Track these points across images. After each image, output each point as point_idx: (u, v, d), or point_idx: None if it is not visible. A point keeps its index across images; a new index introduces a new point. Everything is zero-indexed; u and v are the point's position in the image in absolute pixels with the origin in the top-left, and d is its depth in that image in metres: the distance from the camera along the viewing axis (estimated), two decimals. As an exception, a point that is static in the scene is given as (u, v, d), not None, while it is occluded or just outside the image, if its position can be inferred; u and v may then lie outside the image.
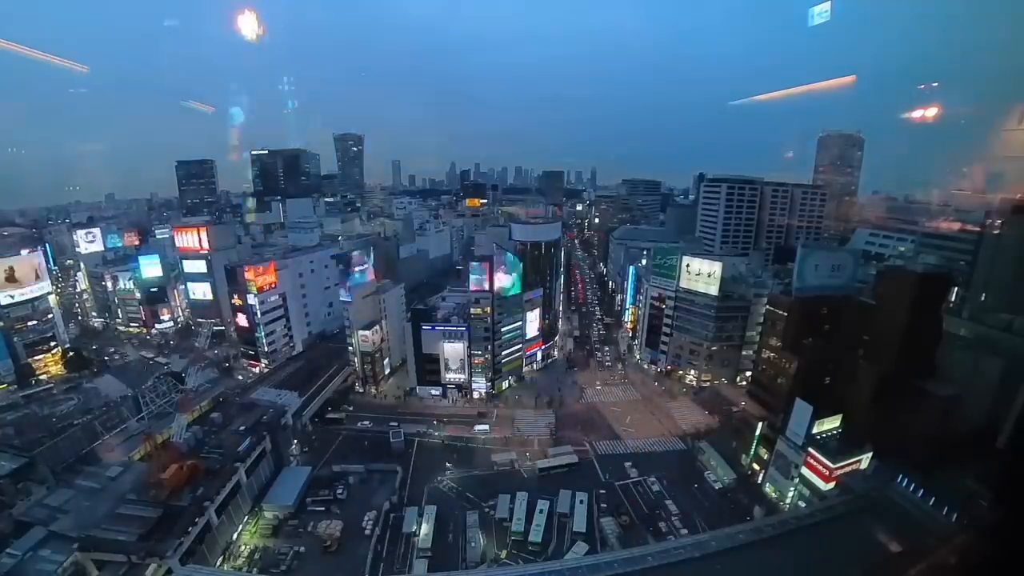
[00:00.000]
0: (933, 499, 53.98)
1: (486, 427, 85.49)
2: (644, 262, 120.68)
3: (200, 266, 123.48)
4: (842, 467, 59.72)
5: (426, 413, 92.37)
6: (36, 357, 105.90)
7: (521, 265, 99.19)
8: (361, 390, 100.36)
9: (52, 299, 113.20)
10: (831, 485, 59.51)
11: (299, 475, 70.75)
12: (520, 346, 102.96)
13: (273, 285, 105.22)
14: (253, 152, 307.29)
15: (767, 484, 67.91)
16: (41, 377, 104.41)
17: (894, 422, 59.72)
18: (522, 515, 62.19)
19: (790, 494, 63.95)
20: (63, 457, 65.82)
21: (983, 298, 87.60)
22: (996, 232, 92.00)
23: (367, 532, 61.26)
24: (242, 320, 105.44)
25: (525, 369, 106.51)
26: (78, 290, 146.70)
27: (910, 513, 54.39)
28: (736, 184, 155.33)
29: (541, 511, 63.08)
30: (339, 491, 68.64)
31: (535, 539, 59.70)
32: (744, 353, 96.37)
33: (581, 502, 65.29)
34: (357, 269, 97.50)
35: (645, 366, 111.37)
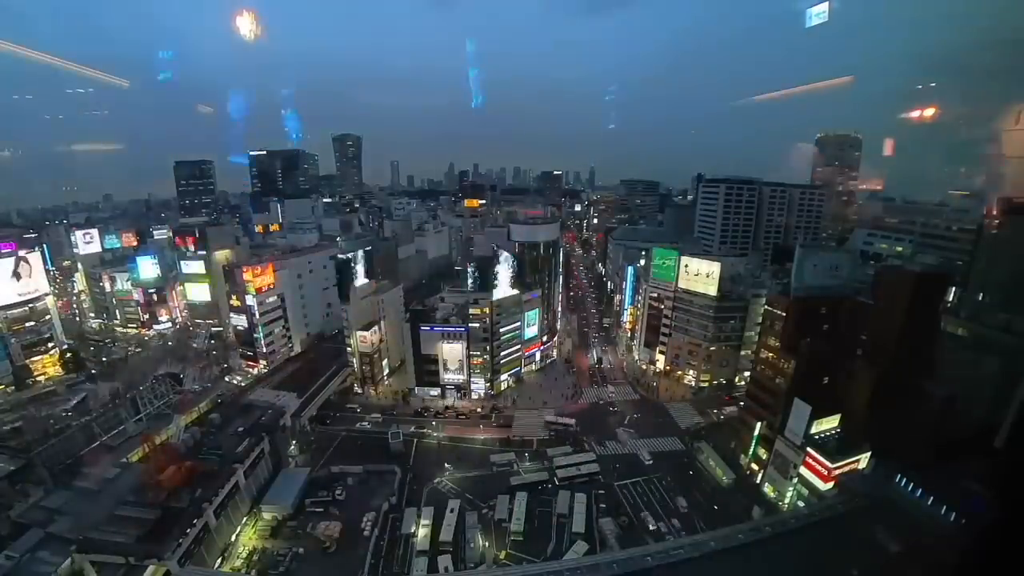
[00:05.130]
0: (932, 499, 54.07)
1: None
2: (643, 262, 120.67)
3: (198, 267, 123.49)
4: (841, 467, 59.77)
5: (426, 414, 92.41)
6: (34, 358, 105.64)
7: (519, 266, 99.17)
8: (360, 391, 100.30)
9: (50, 300, 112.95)
10: (830, 485, 59.58)
11: (298, 476, 70.66)
12: (519, 347, 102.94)
13: (271, 286, 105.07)
14: (251, 152, 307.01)
15: (766, 484, 67.97)
16: (39, 378, 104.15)
17: (892, 422, 59.76)
18: (521, 515, 62.21)
19: (789, 494, 64.01)
20: (61, 459, 65.68)
21: (981, 298, 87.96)
22: (994, 232, 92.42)
23: (366, 533, 61.21)
24: (240, 321, 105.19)
25: (524, 369, 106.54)
26: (76, 291, 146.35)
27: (909, 513, 54.48)
28: (734, 184, 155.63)
29: (537, 512, 63.23)
30: (338, 492, 68.60)
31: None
32: (743, 353, 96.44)
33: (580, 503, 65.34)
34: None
35: (644, 366, 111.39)
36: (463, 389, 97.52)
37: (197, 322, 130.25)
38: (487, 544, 59.91)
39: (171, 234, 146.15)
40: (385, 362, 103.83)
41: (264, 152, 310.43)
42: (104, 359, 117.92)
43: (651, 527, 62.64)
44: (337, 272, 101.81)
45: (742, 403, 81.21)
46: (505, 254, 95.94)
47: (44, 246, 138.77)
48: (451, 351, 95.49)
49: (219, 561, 57.39)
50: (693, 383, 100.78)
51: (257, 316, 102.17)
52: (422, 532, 60.69)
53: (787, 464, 64.21)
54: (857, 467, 61.52)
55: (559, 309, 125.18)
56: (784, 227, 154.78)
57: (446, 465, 75.63)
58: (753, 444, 71.68)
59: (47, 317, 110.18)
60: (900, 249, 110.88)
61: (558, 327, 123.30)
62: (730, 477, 70.54)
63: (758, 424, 71.00)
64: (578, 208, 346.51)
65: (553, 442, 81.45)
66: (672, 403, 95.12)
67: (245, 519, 63.53)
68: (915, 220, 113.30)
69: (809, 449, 61.01)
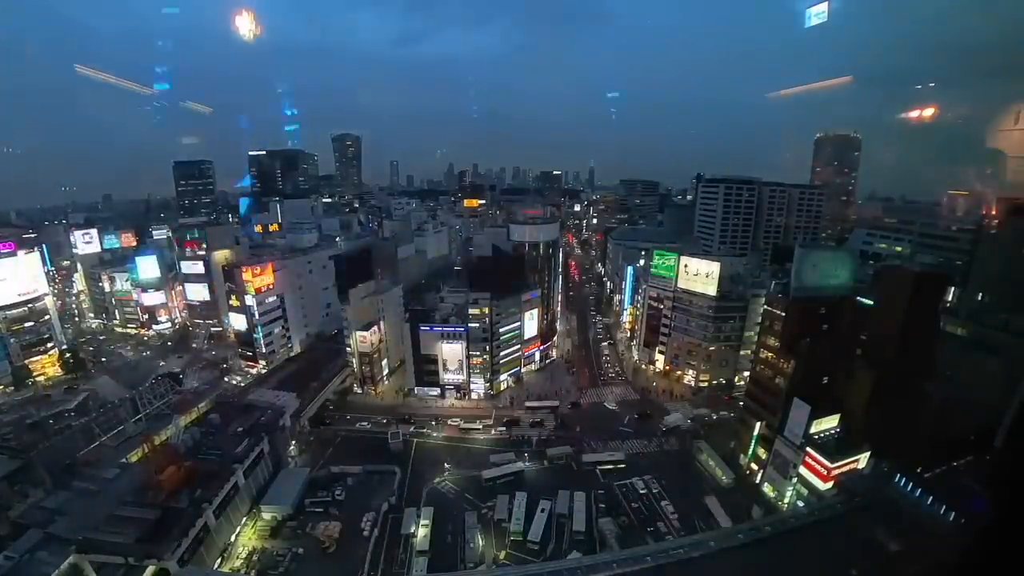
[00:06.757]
0: (931, 498, 54.13)
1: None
2: (642, 262, 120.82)
3: (198, 267, 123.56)
4: (840, 467, 59.78)
5: (425, 414, 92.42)
6: (33, 359, 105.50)
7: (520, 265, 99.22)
8: (360, 391, 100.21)
9: (49, 300, 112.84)
10: (829, 485, 59.60)
11: (297, 476, 70.62)
12: (518, 347, 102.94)
13: (271, 286, 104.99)
14: (251, 152, 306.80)
15: (765, 484, 68.01)
16: (38, 379, 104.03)
17: (892, 422, 59.87)
18: (521, 515, 62.25)
19: (788, 494, 64.04)
20: (60, 459, 65.44)
21: (980, 297, 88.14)
22: (993, 232, 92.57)
23: (365, 533, 61.15)
24: (239, 321, 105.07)
25: (524, 369, 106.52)
26: (75, 291, 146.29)
27: (908, 512, 54.55)
28: (734, 184, 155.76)
29: (543, 510, 63.16)
30: (337, 492, 68.54)
31: (533, 538, 59.76)
32: (742, 353, 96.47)
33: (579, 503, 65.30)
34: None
35: (643, 366, 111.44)
36: (463, 389, 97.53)
37: (197, 322, 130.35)
38: (486, 543, 59.99)
39: (170, 234, 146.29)
40: (385, 362, 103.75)
41: (264, 152, 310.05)
42: (103, 359, 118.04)
43: (650, 527, 62.66)
44: (336, 272, 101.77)
45: (742, 403, 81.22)
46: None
47: (43, 246, 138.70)
48: (451, 351, 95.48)
49: (219, 561, 57.34)
50: (692, 383, 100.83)
51: (256, 316, 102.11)
52: (422, 532, 60.70)
53: (787, 464, 64.24)
54: (857, 467, 61.54)
55: (558, 309, 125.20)
56: (784, 227, 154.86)
57: (445, 465, 75.64)
58: (753, 444, 71.71)
59: (46, 317, 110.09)
60: (899, 249, 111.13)
61: (558, 327, 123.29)
62: (730, 477, 70.57)
63: (758, 424, 71.01)
64: (578, 208, 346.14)
65: (554, 442, 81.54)
66: (672, 403, 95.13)
67: (245, 519, 63.50)
68: (914, 220, 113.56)
69: (809, 449, 61.02)
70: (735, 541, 53.99)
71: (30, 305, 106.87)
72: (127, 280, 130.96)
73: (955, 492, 52.43)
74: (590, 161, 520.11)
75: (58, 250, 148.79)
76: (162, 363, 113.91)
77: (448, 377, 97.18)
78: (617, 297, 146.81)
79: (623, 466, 74.40)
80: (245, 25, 61.07)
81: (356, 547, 59.18)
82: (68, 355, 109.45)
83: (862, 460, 61.68)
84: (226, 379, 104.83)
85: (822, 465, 59.60)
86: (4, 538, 51.69)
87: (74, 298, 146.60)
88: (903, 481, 57.77)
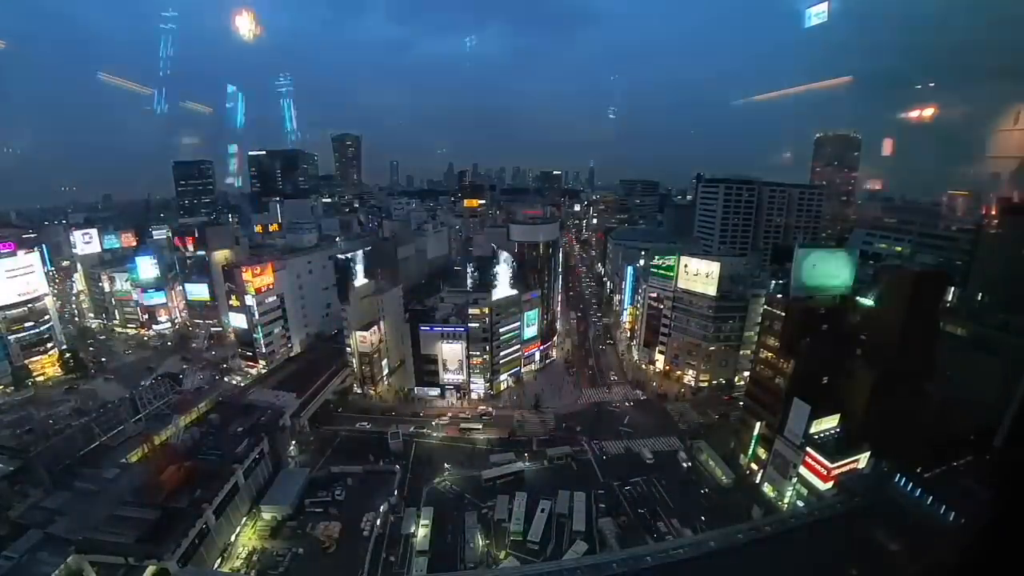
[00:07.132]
0: (932, 499, 54.08)
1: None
2: (642, 262, 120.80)
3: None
4: (840, 467, 59.77)
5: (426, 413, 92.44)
6: (33, 359, 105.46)
7: (519, 265, 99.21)
8: (360, 391, 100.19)
9: (49, 300, 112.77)
10: (829, 485, 59.59)
11: (297, 476, 70.63)
12: (518, 347, 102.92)
13: (271, 286, 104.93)
14: (250, 152, 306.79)
15: (765, 484, 68.01)
16: (38, 379, 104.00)
17: (892, 421, 59.80)
18: (521, 515, 62.26)
19: (788, 494, 64.04)
20: (60, 459, 65.48)
21: (980, 297, 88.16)
22: (993, 232, 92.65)
23: (365, 533, 61.17)
24: (239, 321, 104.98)
25: (524, 369, 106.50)
26: (75, 291, 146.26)
27: (908, 512, 54.47)
28: (734, 184, 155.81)
29: (543, 510, 63.15)
30: (337, 492, 68.55)
31: (533, 538, 59.80)
32: (742, 353, 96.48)
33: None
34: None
35: (643, 366, 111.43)
36: (463, 389, 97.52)
37: (197, 322, 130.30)
38: (487, 543, 59.97)
39: (170, 234, 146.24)
40: (385, 362, 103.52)
41: (263, 152, 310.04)
42: (103, 359, 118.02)
43: (650, 527, 62.61)
44: (336, 272, 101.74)
45: (742, 403, 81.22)
46: (504, 254, 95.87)
47: (43, 246, 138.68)
48: (451, 351, 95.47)
49: (219, 561, 57.36)
50: (692, 383, 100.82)
51: (256, 316, 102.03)
52: (422, 532, 60.72)
53: (786, 464, 64.25)
54: (856, 467, 61.52)
55: (558, 309, 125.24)
56: (783, 227, 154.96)
57: (445, 465, 75.63)
58: (753, 444, 71.71)
59: (46, 317, 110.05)
60: (899, 249, 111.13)
61: (558, 327, 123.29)
62: (730, 477, 70.57)
63: (758, 424, 71.03)
64: (577, 208, 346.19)
65: (555, 441, 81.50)
66: (671, 403, 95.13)
67: (245, 519, 63.51)
68: (914, 220, 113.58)
69: (808, 449, 61.02)
70: (735, 541, 53.92)
71: (30, 305, 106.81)
72: (127, 280, 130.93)
73: (955, 492, 52.34)
74: (590, 161, 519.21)
75: (58, 250, 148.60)
76: (153, 361, 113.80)
77: (448, 377, 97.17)
78: (617, 297, 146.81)
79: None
80: (245, 25, 61.13)
81: (356, 547, 59.19)
82: (68, 355, 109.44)
83: (862, 460, 61.66)
84: (226, 379, 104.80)
85: (822, 465, 59.60)
86: (4, 538, 51.72)
87: (74, 298, 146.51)
88: (903, 481, 57.67)
